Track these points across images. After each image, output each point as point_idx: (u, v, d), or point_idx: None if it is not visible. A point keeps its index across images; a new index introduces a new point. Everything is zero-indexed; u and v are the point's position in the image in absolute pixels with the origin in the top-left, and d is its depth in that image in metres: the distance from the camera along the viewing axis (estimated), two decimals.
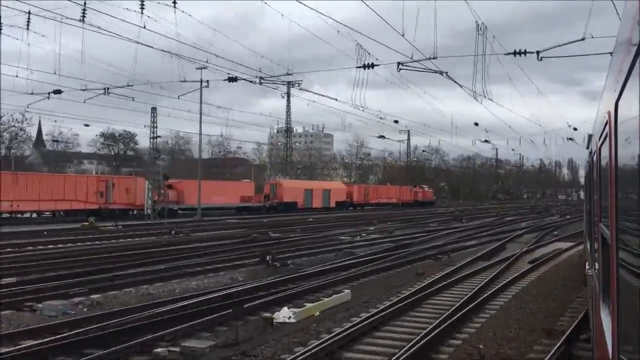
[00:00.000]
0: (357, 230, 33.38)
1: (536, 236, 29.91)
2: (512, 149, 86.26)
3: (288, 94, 71.73)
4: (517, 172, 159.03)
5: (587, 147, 7.45)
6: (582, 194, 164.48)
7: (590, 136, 6.71)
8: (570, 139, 45.54)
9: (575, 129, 44.09)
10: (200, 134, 46.78)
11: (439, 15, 24.45)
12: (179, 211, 46.45)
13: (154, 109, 53.93)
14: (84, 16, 22.63)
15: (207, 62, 29.60)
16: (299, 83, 70.37)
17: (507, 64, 25.89)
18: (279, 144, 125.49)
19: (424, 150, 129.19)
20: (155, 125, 55.04)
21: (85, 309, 12.19)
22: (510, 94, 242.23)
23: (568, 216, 55.70)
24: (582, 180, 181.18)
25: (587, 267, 7.79)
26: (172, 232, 29.25)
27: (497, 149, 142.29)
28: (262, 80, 28.73)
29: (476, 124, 44.70)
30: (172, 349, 9.00)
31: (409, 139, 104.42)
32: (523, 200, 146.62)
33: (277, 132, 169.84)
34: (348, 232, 32.48)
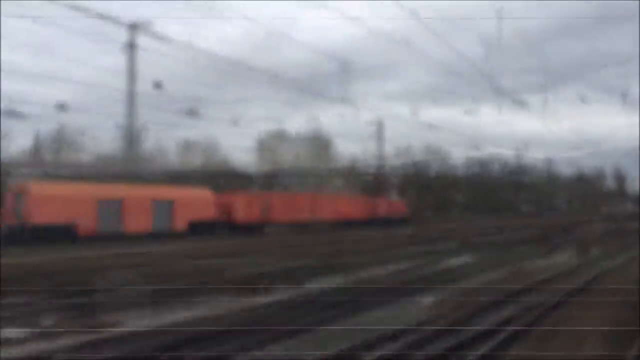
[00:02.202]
0: None
1: None
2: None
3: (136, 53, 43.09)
4: (546, 180, 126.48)
5: None
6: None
7: None
8: None
9: None
10: None
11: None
12: None
13: None
14: None
15: None
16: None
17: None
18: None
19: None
20: None
21: None
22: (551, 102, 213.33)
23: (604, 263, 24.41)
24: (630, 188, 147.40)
25: None
26: None
27: (517, 148, 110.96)
28: None
29: None
30: None
31: (379, 130, 73.55)
32: (554, 212, 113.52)
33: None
34: None
